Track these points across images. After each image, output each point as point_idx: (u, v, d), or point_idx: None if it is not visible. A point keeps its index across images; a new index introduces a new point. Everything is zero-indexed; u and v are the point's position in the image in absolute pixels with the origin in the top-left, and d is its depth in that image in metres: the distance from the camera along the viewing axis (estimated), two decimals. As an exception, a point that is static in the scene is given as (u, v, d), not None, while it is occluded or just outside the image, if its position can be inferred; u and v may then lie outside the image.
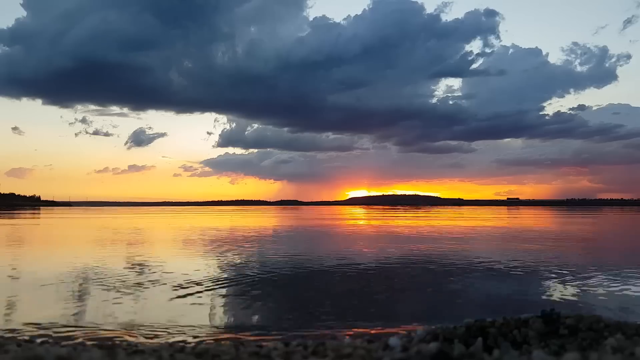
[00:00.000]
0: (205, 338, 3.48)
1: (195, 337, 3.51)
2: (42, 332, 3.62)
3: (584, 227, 20.19)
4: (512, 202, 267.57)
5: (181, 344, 2.05)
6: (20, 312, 4.31)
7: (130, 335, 3.49)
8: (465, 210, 57.53)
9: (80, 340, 3.13)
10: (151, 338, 3.44)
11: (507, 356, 1.57)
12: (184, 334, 3.60)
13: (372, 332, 3.69)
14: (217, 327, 3.84)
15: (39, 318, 4.10)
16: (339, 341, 1.93)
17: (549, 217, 33.04)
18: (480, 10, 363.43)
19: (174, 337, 3.49)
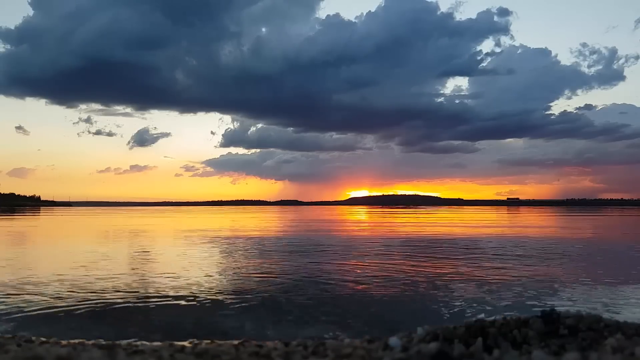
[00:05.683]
0: (205, 338, 3.48)
1: (195, 337, 3.51)
2: (42, 332, 3.62)
3: (576, 229, 20.20)
4: (512, 202, 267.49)
5: (181, 344, 2.05)
6: (21, 312, 4.31)
7: (130, 336, 3.49)
8: (456, 212, 57.63)
9: (80, 340, 3.12)
10: (151, 338, 3.44)
11: (507, 356, 1.57)
12: (184, 333, 3.60)
13: (372, 332, 3.70)
14: (217, 327, 3.84)
15: (39, 317, 4.10)
16: (339, 341, 1.93)
17: (544, 218, 33.06)
18: (493, 10, 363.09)
19: (174, 337, 3.49)
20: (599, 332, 1.75)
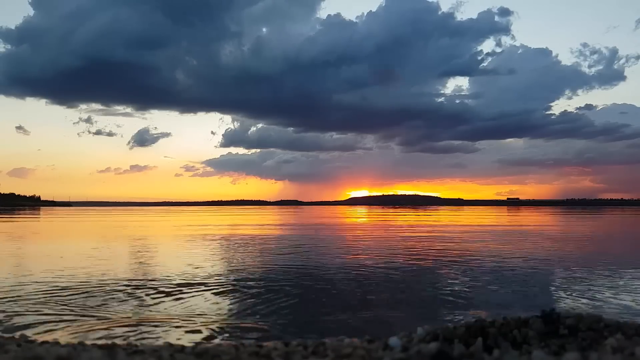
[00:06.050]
0: (205, 338, 3.48)
1: (195, 337, 3.51)
2: (42, 332, 3.62)
3: (572, 230, 20.18)
4: (512, 202, 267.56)
5: (181, 344, 2.05)
6: (21, 312, 4.31)
7: (130, 336, 3.49)
8: (456, 212, 57.59)
9: (80, 340, 3.12)
10: (151, 338, 3.44)
11: (507, 356, 1.57)
12: (185, 334, 3.60)
13: (372, 332, 3.70)
14: (217, 327, 3.84)
15: (39, 318, 4.10)
16: (339, 341, 1.93)
17: (544, 218, 33.06)
18: (494, 10, 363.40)
19: (174, 337, 3.49)
20: (599, 332, 1.75)
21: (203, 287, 5.59)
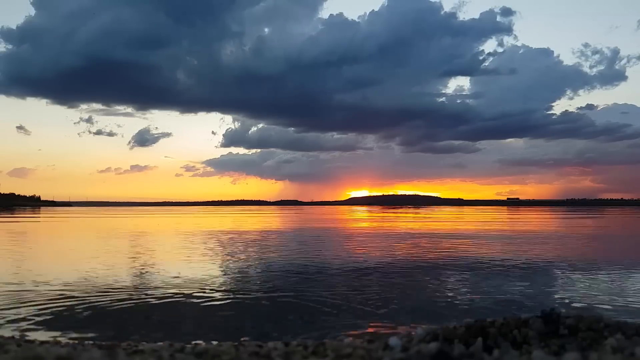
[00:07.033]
0: (205, 338, 3.48)
1: (195, 337, 3.51)
2: (42, 332, 3.62)
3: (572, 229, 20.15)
4: (512, 202, 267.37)
5: (181, 344, 2.05)
6: (21, 311, 4.31)
7: (130, 335, 3.49)
8: (458, 213, 57.53)
9: (80, 340, 3.12)
10: (151, 338, 3.44)
11: (507, 356, 1.57)
12: (184, 333, 3.60)
13: (372, 332, 3.70)
14: (217, 327, 3.84)
15: (39, 317, 4.10)
16: (339, 341, 1.93)
17: (544, 218, 33.04)
18: (496, 10, 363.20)
19: (174, 337, 3.48)
20: (599, 332, 1.75)
21: (203, 287, 5.59)
